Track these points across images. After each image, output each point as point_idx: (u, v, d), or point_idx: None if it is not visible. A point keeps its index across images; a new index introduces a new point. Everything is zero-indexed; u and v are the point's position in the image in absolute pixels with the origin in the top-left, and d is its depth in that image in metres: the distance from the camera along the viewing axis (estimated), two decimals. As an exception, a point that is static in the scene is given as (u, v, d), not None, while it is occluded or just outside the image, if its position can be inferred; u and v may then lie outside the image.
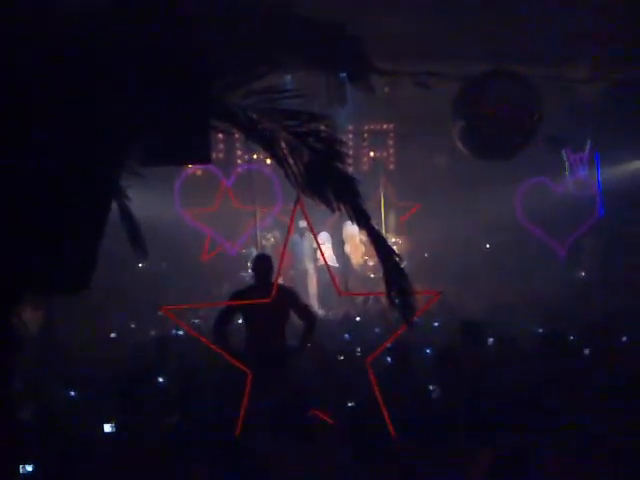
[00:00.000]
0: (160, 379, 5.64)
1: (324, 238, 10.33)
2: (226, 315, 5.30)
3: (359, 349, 6.74)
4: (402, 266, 2.95)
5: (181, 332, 8.09)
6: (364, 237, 10.25)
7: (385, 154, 11.34)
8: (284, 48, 3.27)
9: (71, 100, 2.84)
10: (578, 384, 4.58)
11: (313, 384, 5.19)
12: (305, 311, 5.39)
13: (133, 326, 9.12)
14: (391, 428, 3.93)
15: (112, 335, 8.34)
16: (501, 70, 8.05)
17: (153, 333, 8.52)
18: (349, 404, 4.46)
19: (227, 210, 10.40)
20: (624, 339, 6.58)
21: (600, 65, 8.93)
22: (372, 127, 11.19)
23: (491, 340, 5.99)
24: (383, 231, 10.10)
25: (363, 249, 10.98)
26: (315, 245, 9.95)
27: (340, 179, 2.95)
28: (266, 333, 5.12)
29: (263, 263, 5.37)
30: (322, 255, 5.28)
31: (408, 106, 9.93)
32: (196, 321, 8.99)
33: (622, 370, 4.88)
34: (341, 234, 10.78)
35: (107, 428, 4.22)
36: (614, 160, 10.24)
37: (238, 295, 5.33)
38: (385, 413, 4.01)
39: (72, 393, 5.36)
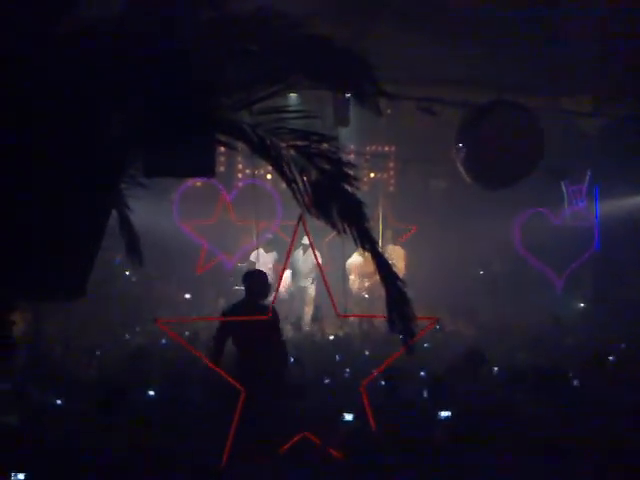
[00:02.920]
0: (151, 392, 5.55)
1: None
2: (223, 331, 5.20)
3: (349, 370, 6.69)
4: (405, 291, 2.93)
5: (164, 340, 8.03)
6: (367, 268, 10.27)
7: (385, 176, 11.39)
8: (293, 68, 3.29)
9: (75, 110, 2.84)
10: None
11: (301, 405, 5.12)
12: (278, 340, 5.21)
13: (127, 336, 9.04)
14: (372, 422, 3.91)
15: (97, 343, 8.25)
16: (505, 100, 8.12)
17: (141, 342, 8.45)
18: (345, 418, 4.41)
19: (225, 224, 10.38)
20: (610, 358, 6.63)
21: (602, 99, 9.03)
22: (373, 148, 11.27)
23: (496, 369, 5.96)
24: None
25: (365, 282, 10.95)
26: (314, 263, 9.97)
27: (347, 201, 2.94)
28: (256, 352, 5.03)
29: (259, 279, 5.28)
30: (322, 275, 5.24)
31: (410, 129, 9.99)
32: (187, 333, 8.92)
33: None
34: (338, 252, 10.73)
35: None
36: (613, 193, 10.31)
37: (229, 311, 5.23)
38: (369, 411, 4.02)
39: (58, 401, 5.28)
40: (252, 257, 10.38)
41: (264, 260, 10.18)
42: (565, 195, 10.48)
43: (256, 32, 3.19)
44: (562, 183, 10.41)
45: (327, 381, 6.16)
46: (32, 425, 4.44)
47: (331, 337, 8.93)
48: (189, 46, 3.02)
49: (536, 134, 8.08)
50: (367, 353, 7.79)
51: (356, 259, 10.68)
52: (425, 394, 5.21)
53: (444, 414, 4.40)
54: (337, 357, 7.67)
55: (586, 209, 10.41)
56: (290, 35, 3.18)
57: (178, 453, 3.87)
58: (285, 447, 3.99)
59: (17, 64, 2.74)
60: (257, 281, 5.30)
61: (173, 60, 2.96)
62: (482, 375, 5.75)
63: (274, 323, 5.15)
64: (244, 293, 5.39)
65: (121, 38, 2.94)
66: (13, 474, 3.50)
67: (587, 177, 10.33)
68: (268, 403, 4.61)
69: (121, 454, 3.93)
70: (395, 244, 11.19)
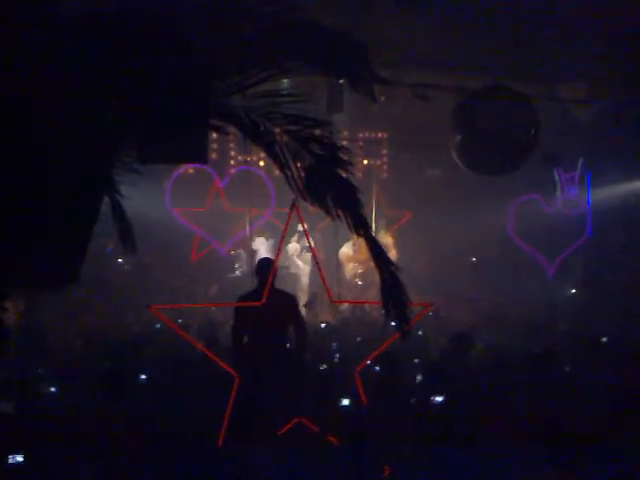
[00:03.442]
0: (143, 376, 5.57)
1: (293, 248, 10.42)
2: (240, 323, 5.25)
3: (338, 356, 6.73)
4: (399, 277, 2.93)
5: (159, 325, 8.03)
6: (359, 255, 10.28)
7: (378, 162, 11.37)
8: (288, 53, 3.27)
9: (69, 96, 2.81)
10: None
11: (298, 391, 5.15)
12: (300, 325, 5.31)
13: (128, 321, 9.04)
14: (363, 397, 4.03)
15: (93, 329, 8.25)
16: (499, 86, 8.09)
17: (135, 329, 8.45)
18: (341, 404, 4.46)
19: (218, 211, 10.34)
20: (604, 339, 6.67)
21: (596, 86, 9.03)
22: (367, 135, 11.23)
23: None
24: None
25: (358, 269, 10.95)
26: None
27: (341, 186, 2.93)
28: (268, 337, 5.10)
29: (268, 267, 5.31)
30: (316, 261, 5.25)
31: (404, 116, 9.96)
32: (180, 321, 8.94)
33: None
34: (331, 239, 10.74)
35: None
36: (605, 180, 10.33)
37: (242, 299, 5.30)
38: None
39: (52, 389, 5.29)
40: (254, 245, 10.38)
41: (264, 247, 10.21)
42: (557, 182, 10.51)
43: (250, 16, 3.16)
44: (555, 170, 10.43)
45: (323, 367, 6.20)
46: (28, 411, 4.44)
47: (323, 325, 8.96)
48: (183, 31, 2.99)
49: (531, 121, 8.07)
50: (359, 339, 7.81)
51: (347, 249, 10.68)
52: (419, 379, 5.25)
53: (438, 399, 4.44)
54: (334, 345, 7.69)
55: (578, 196, 10.45)
56: (284, 19, 3.16)
57: (174, 435, 3.89)
58: (282, 431, 4.02)
59: (12, 49, 2.71)
60: (257, 266, 5.43)
61: (167, 45, 2.94)
62: (471, 358, 5.78)
63: (288, 309, 5.21)
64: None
65: (115, 24, 2.92)
66: (11, 456, 3.52)
67: (580, 164, 10.35)
68: (271, 389, 4.65)
69: (118, 437, 3.95)
70: (387, 231, 11.19)
